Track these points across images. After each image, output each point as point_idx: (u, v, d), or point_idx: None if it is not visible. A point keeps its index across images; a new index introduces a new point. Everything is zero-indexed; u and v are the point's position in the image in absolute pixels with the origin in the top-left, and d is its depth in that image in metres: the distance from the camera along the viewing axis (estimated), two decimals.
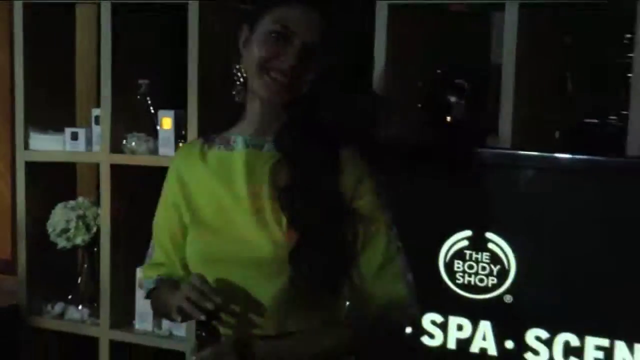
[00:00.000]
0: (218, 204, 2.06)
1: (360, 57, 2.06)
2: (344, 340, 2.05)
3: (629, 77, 3.16)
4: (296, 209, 1.98)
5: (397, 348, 2.11)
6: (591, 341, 2.48)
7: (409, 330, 2.60)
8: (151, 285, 2.21)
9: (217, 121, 2.33)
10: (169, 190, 2.18)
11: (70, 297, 3.51)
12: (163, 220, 2.19)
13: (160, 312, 2.31)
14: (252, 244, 2.00)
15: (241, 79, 2.08)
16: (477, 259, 2.60)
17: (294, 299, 1.99)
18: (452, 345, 2.66)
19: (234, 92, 2.10)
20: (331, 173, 2.00)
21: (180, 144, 3.10)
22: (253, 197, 2.02)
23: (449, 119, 3.38)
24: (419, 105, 3.30)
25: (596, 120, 3.48)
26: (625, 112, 3.15)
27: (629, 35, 2.92)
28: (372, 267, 2.03)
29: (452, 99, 3.38)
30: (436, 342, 2.68)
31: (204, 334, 1.97)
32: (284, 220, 1.98)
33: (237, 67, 2.08)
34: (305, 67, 1.95)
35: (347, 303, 2.13)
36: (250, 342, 1.96)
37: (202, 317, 1.88)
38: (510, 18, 2.74)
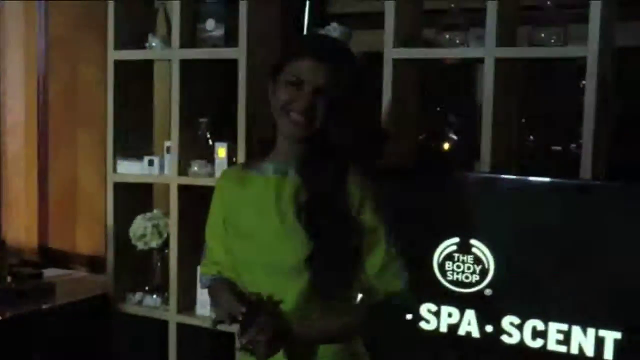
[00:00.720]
0: (253, 218, 2.02)
1: (365, 96, 2.00)
2: (356, 323, 2.03)
3: None
4: (314, 223, 1.94)
5: (401, 331, 2.06)
6: (553, 326, 2.42)
7: (409, 317, 2.58)
8: (208, 282, 2.21)
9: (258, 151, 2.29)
10: (215, 206, 2.16)
11: (146, 288, 3.47)
12: (212, 230, 2.17)
13: (215, 306, 2.30)
14: (280, 251, 1.96)
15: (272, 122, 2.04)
16: (463, 260, 2.54)
17: (313, 295, 1.95)
18: (444, 329, 2.59)
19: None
20: (341, 194, 1.96)
21: None
22: (281, 214, 1.98)
23: (446, 146, 3.31)
24: (422, 136, 3.25)
25: (560, 148, 3.41)
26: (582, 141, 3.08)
27: (584, 82, 2.86)
28: (376, 267, 1.98)
29: (447, 131, 3.32)
30: (431, 326, 2.61)
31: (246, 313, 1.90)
32: (303, 233, 1.94)
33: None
34: (316, 107, 1.92)
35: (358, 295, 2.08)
36: (282, 319, 1.93)
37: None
38: (488, 68, 2.68)
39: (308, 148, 1.98)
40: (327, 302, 1.97)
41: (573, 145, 3.46)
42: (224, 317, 1.94)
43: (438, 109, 3.75)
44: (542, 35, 2.63)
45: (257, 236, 2.00)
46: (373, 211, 1.97)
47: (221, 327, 2.01)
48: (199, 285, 3.12)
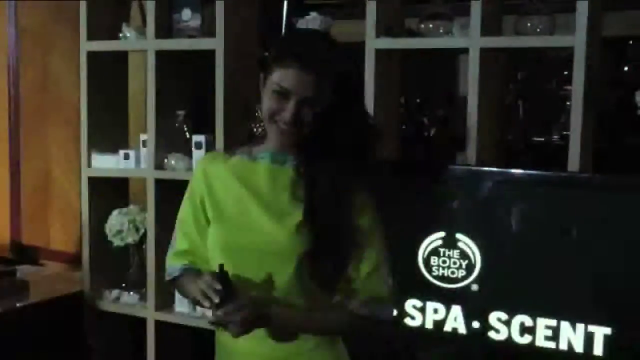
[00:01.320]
0: (239, 202, 1.96)
1: (353, 93, 1.94)
2: (337, 321, 1.98)
3: (568, 104, 3.07)
4: (311, 220, 1.89)
5: (385, 328, 2.01)
6: (542, 322, 2.39)
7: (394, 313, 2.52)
8: (176, 273, 2.09)
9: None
10: (196, 187, 2.06)
11: (123, 285, 3.39)
12: (190, 213, 2.06)
13: (184, 296, 2.22)
14: (269, 237, 1.91)
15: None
16: (449, 255, 2.50)
17: (298, 283, 1.91)
18: (429, 325, 2.55)
19: (256, 125, 2.01)
20: (341, 196, 1.91)
21: None
22: (274, 200, 1.94)
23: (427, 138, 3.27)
24: (403, 127, 3.21)
25: (542, 139, 3.39)
26: (566, 133, 3.06)
27: (566, 72, 2.84)
28: (364, 270, 1.93)
29: (428, 122, 3.28)
30: (416, 322, 2.57)
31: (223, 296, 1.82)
32: (296, 220, 1.89)
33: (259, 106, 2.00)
34: (303, 116, 1.86)
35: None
36: (264, 302, 1.88)
37: (207, 305, 1.83)
38: (474, 59, 2.62)
39: (303, 147, 1.93)
40: (311, 292, 1.93)
41: (556, 137, 3.44)
42: (198, 296, 1.85)
43: (418, 100, 3.71)
44: (528, 24, 2.57)
45: (245, 220, 1.94)
46: (372, 216, 1.94)
47: (202, 324, 1.93)
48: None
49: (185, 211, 2.08)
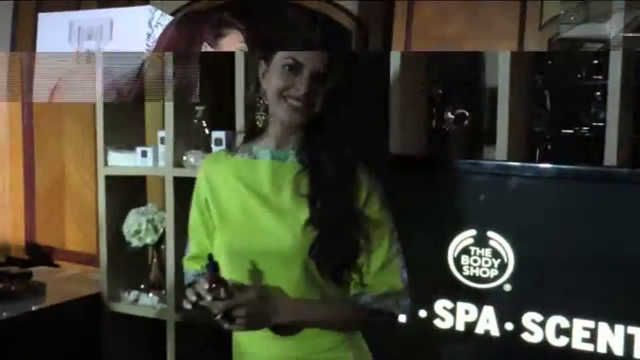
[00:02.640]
0: (242, 203, 1.95)
1: (369, 81, 1.91)
2: (350, 315, 1.96)
3: (597, 95, 3.02)
4: (317, 213, 1.88)
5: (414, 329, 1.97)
6: (579, 323, 2.33)
7: (423, 314, 2.53)
8: (191, 279, 2.10)
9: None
10: (201, 191, 2.05)
11: (142, 286, 3.36)
12: (197, 218, 2.06)
13: None
14: (273, 237, 1.89)
15: (263, 105, 1.98)
16: (480, 254, 2.45)
17: (307, 284, 1.89)
18: (460, 327, 2.50)
19: (257, 116, 1.99)
20: (347, 185, 1.89)
21: None
22: (276, 199, 1.92)
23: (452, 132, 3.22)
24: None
25: (572, 131, 3.33)
26: (596, 124, 3.00)
27: (596, 61, 2.74)
28: (376, 264, 1.91)
29: (452, 116, 3.22)
30: (447, 324, 2.52)
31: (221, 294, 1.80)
32: (302, 219, 1.88)
33: (258, 95, 1.98)
34: (315, 92, 1.84)
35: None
36: (269, 293, 1.86)
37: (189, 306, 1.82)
38: (504, 54, 2.57)
39: (307, 134, 1.92)
40: (320, 293, 1.91)
41: (585, 129, 3.38)
42: (191, 296, 1.82)
43: (440, 91, 3.65)
44: (561, 12, 2.52)
45: (249, 222, 1.93)
46: (379, 206, 1.92)
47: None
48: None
49: (193, 214, 2.08)
